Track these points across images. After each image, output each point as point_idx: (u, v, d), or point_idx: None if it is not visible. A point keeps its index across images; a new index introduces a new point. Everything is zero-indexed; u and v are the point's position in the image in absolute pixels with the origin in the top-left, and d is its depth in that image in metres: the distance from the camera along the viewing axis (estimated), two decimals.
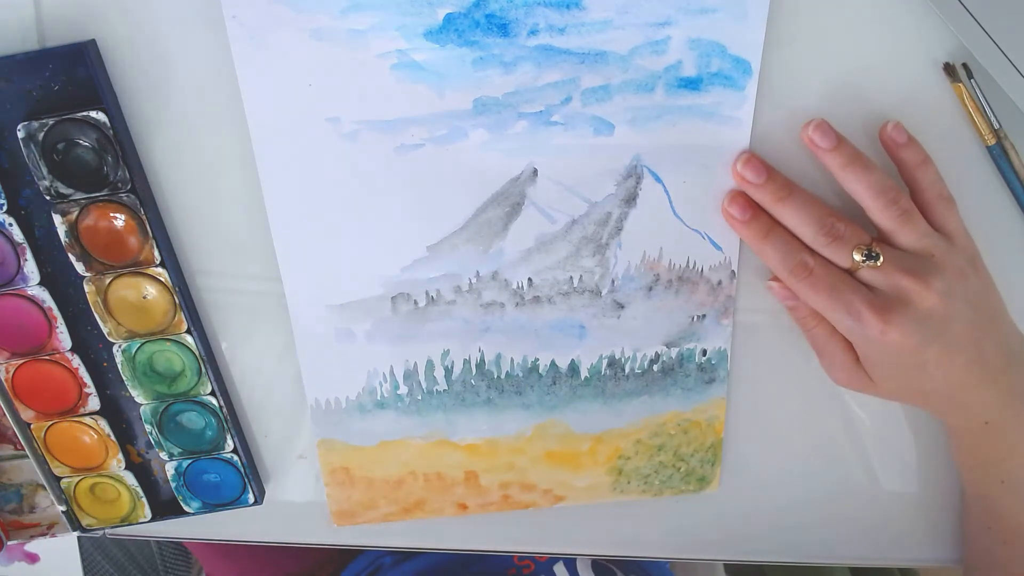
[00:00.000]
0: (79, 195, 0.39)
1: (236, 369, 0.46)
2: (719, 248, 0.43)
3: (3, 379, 0.43)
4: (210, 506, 0.48)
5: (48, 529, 0.49)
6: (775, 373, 0.47)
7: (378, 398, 0.46)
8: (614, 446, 0.48)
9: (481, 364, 0.45)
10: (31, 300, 0.41)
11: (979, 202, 0.42)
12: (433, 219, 0.42)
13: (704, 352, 0.46)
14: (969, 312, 0.39)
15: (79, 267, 0.40)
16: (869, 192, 0.39)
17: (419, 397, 0.46)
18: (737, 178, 0.41)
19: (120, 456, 0.46)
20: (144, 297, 0.42)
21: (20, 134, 0.37)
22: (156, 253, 0.41)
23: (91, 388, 0.44)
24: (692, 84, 0.39)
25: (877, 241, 0.40)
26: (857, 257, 0.39)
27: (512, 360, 0.45)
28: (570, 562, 0.64)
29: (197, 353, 0.43)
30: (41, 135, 0.37)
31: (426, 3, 0.37)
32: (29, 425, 0.44)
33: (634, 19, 0.38)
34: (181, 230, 0.42)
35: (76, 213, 0.39)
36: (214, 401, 0.45)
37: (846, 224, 0.39)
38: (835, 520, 0.52)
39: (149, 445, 0.47)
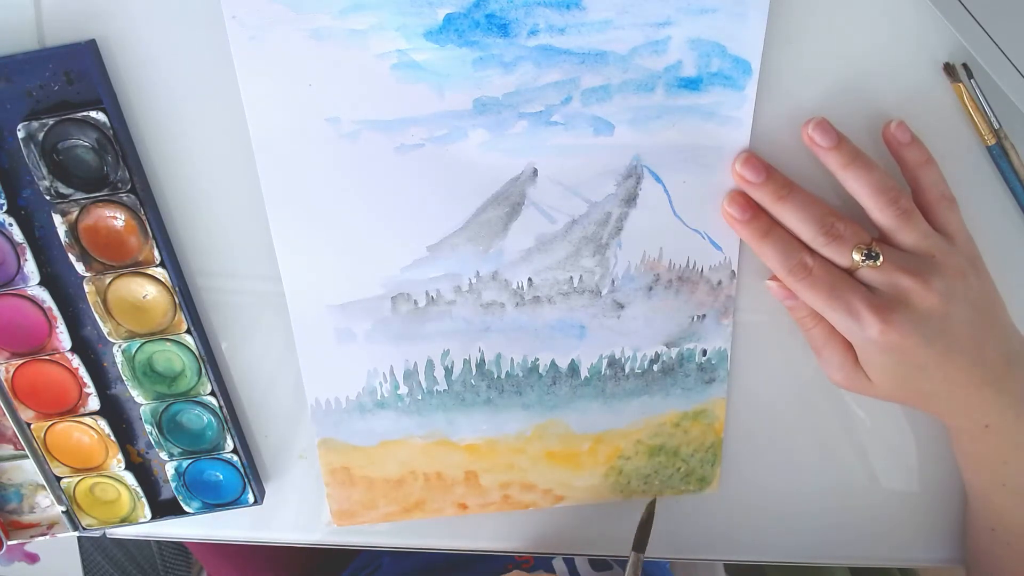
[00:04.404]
0: (79, 195, 0.39)
1: (236, 369, 0.46)
2: (719, 248, 0.43)
3: (3, 379, 0.43)
4: (210, 506, 0.48)
5: (48, 529, 0.49)
6: (775, 373, 0.47)
7: (378, 398, 0.46)
8: (614, 446, 0.48)
9: (481, 364, 0.45)
10: (31, 300, 0.41)
11: (979, 202, 0.42)
12: (433, 219, 0.42)
13: (704, 352, 0.46)
14: (969, 313, 0.39)
15: (79, 267, 0.40)
16: (869, 191, 0.39)
17: (419, 397, 0.46)
18: (736, 178, 0.41)
19: (120, 456, 0.46)
20: (144, 297, 0.42)
21: (20, 134, 0.37)
22: (156, 253, 0.41)
23: (91, 388, 0.44)
24: (692, 84, 0.39)
25: (877, 241, 0.39)
26: (857, 257, 0.39)
27: (512, 360, 0.45)
28: (568, 558, 0.64)
29: (197, 353, 0.43)
30: (41, 135, 0.37)
31: (426, 3, 0.37)
32: (29, 425, 0.44)
33: (634, 19, 0.38)
34: (181, 230, 0.42)
35: (76, 213, 0.39)
36: (214, 401, 0.45)
37: (846, 223, 0.39)
38: (835, 520, 0.52)
39: (149, 445, 0.47)
